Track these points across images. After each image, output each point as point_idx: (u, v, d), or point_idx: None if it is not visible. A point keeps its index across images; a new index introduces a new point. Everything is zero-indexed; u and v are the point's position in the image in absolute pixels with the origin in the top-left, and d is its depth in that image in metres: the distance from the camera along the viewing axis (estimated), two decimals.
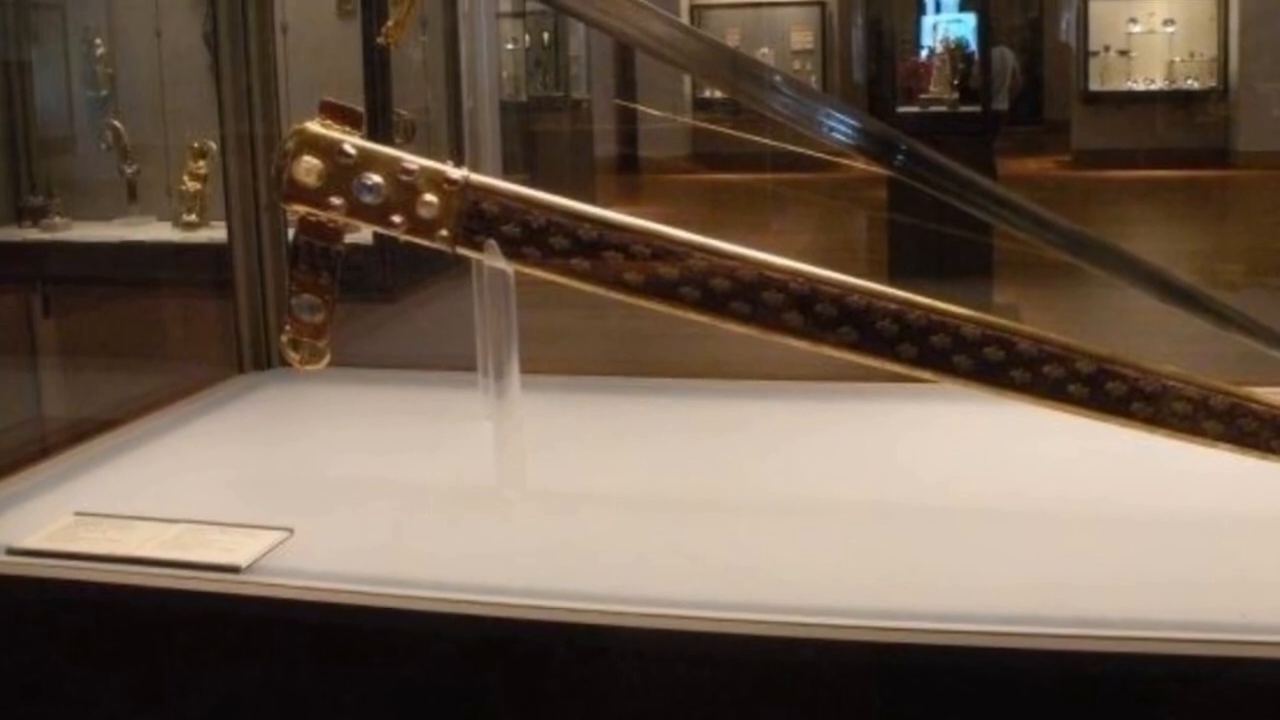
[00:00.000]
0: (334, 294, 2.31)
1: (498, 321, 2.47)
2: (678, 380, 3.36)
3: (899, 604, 2.01)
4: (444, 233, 2.24)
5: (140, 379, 4.43)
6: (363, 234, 2.36)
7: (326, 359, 2.34)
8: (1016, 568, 2.16)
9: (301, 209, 2.26)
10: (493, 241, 2.22)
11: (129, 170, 6.82)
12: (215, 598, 2.12)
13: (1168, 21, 15.17)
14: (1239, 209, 13.12)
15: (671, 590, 2.07)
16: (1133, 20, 15.28)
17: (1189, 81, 15.08)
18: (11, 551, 2.28)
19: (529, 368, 2.46)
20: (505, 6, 10.79)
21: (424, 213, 2.23)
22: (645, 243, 2.20)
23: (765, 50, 15.22)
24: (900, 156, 2.76)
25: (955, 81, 9.76)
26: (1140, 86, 15.23)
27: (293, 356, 2.34)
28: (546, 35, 12.68)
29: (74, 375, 5.77)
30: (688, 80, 12.25)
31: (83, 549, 2.26)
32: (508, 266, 2.27)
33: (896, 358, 2.19)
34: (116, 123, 6.89)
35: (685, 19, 13.86)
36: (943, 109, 9.27)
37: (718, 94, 11.08)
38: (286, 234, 3.19)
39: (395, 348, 5.64)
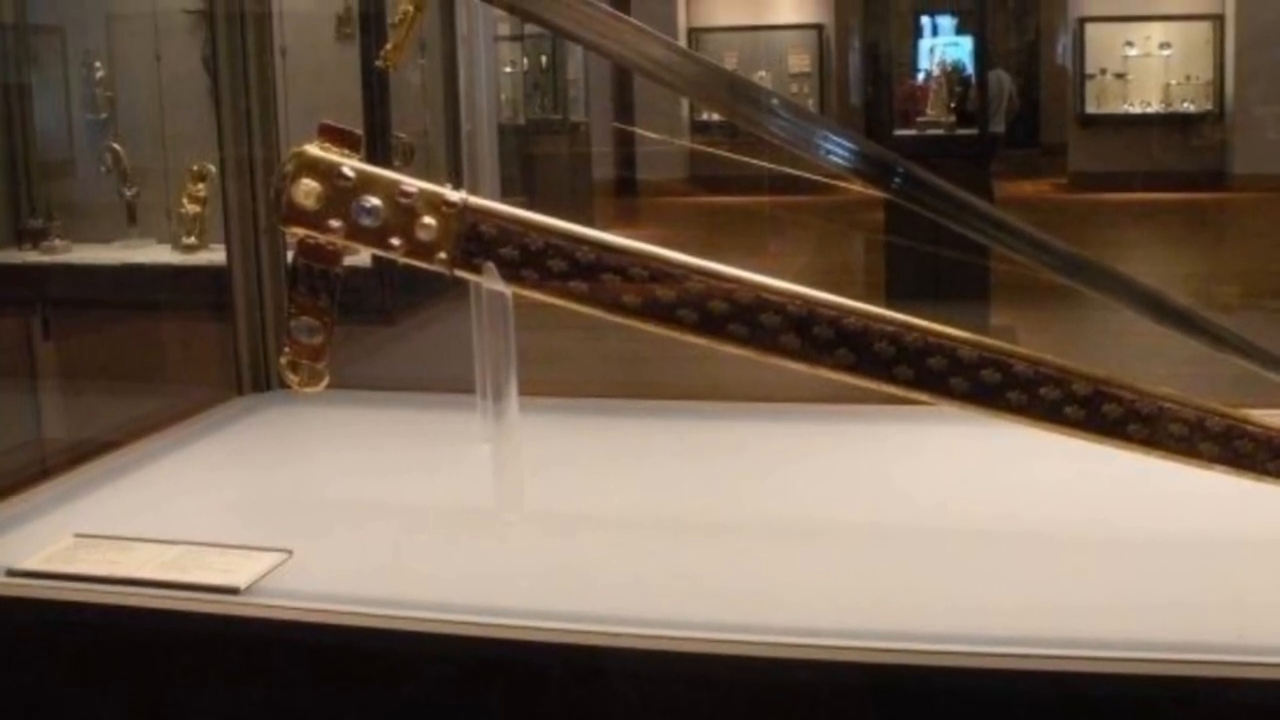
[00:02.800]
0: (333, 316, 2.31)
1: (496, 344, 2.48)
2: (675, 402, 3.37)
3: (896, 625, 2.01)
4: (442, 255, 2.25)
5: (140, 401, 4.43)
6: (361, 256, 2.37)
7: (325, 381, 2.35)
8: (1013, 589, 2.17)
9: (300, 231, 2.27)
10: (491, 264, 2.23)
11: (129, 193, 6.82)
12: (214, 619, 2.13)
13: (1164, 45, 15.22)
14: (1235, 232, 13.14)
15: (669, 611, 2.08)
16: (1129, 43, 15.32)
17: (1185, 104, 15.12)
18: (11, 573, 2.28)
19: (527, 390, 2.47)
20: (503, 30, 10.79)
21: (422, 235, 2.24)
22: (643, 265, 2.21)
23: (763, 73, 15.26)
24: (897, 179, 2.77)
25: (952, 104, 9.80)
26: (1136, 109, 15.27)
27: (291, 379, 2.35)
28: (545, 58, 12.70)
29: (74, 397, 5.76)
30: (685, 103, 12.26)
31: (82, 570, 2.26)
32: (506, 289, 2.28)
33: (893, 380, 2.20)
34: (116, 146, 6.90)
35: (682, 42, 13.90)
36: (940, 132, 9.30)
37: (715, 117, 11.10)
38: (285, 257, 3.20)
39: (394, 370, 5.63)
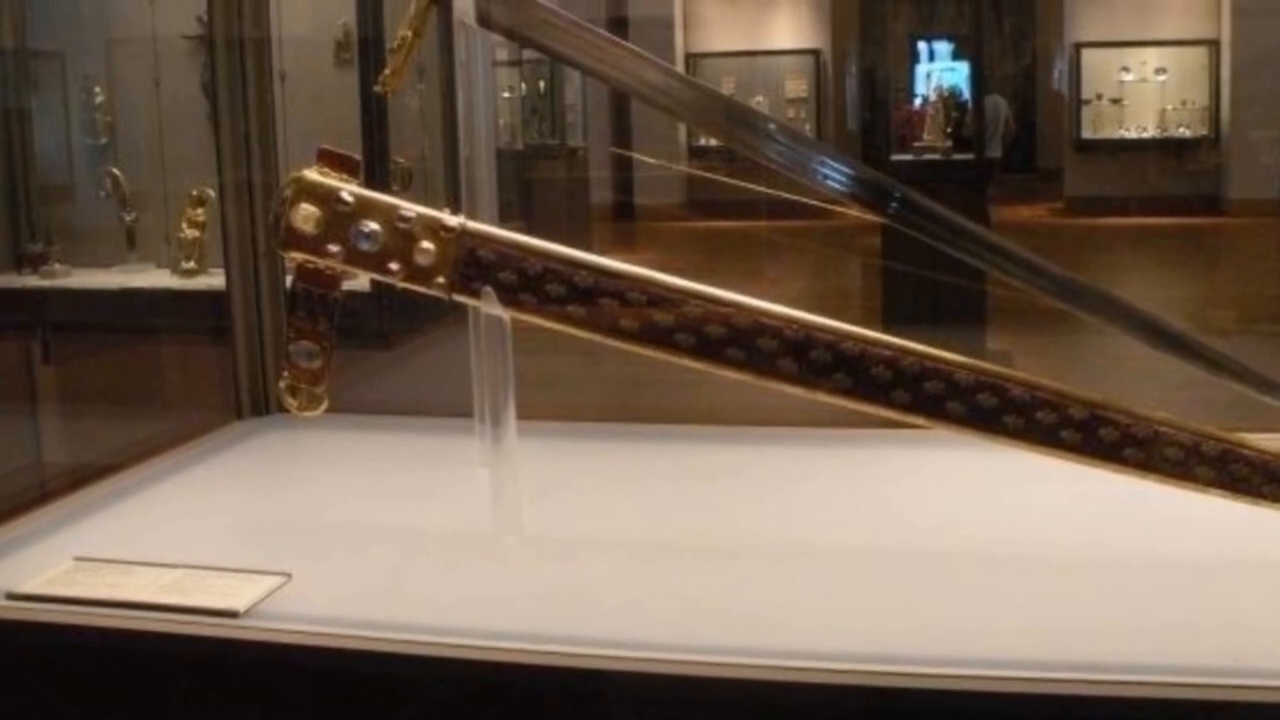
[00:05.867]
0: (331, 340, 2.32)
1: (494, 368, 2.48)
2: (673, 426, 3.38)
3: (893, 648, 2.01)
4: (441, 280, 2.26)
5: (139, 425, 4.43)
6: (360, 281, 2.37)
7: (324, 405, 2.36)
8: (1010, 612, 2.17)
9: (299, 256, 2.28)
10: (489, 288, 2.24)
11: (128, 218, 6.84)
12: (214, 642, 2.13)
13: (1160, 70, 15.28)
14: (1230, 256, 13.16)
15: (667, 635, 2.08)
16: (1125, 69, 15.38)
17: (1181, 129, 15.17)
18: (12, 596, 2.28)
19: (525, 414, 2.47)
20: (501, 55, 10.82)
21: (421, 260, 2.25)
22: (641, 290, 2.21)
23: (760, 98, 15.31)
24: (894, 204, 2.78)
25: (949, 129, 9.80)
26: (1132, 134, 15.33)
27: (290, 403, 2.35)
28: (543, 83, 12.74)
29: (73, 421, 5.77)
30: (683, 128, 12.29)
31: (82, 594, 2.27)
32: (504, 313, 2.28)
33: (890, 404, 2.21)
34: (115, 170, 6.92)
35: (680, 67, 13.93)
36: (936, 157, 9.29)
37: (713, 142, 11.14)
38: (284, 281, 3.21)
39: (392, 394, 5.63)
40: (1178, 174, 14.90)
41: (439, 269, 2.25)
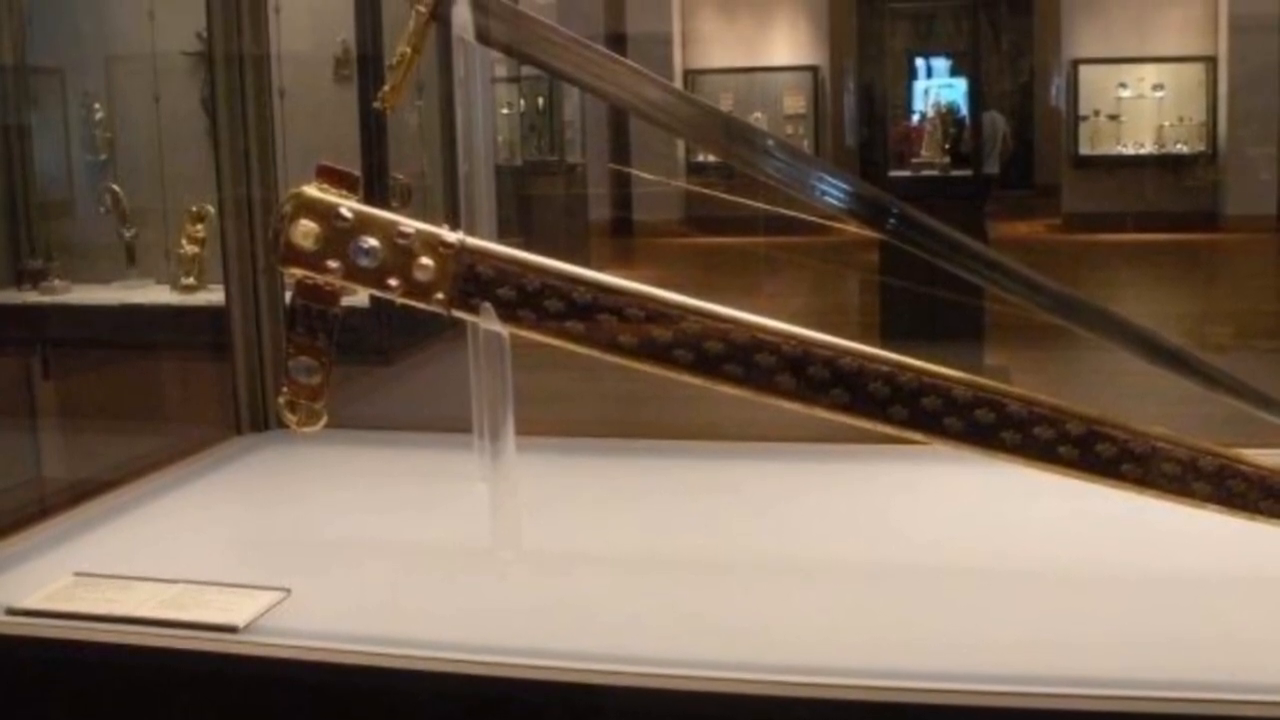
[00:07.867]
0: (331, 356, 2.32)
1: (493, 384, 2.48)
2: (672, 442, 3.38)
3: (892, 663, 2.02)
4: (440, 296, 2.26)
5: (139, 441, 4.44)
6: (359, 297, 2.38)
7: (323, 421, 2.36)
8: (1008, 627, 2.18)
9: (298, 272, 2.29)
10: (488, 304, 2.25)
11: (128, 234, 6.84)
12: (213, 657, 2.13)
13: (1157, 86, 15.30)
14: (1227, 272, 13.17)
15: (666, 650, 2.08)
16: (1122, 85, 15.41)
17: (1178, 146, 15.19)
18: (11, 611, 2.28)
19: (524, 429, 2.48)
20: (500, 71, 10.84)
21: (420, 276, 2.26)
22: (639, 306, 2.22)
23: (758, 115, 15.32)
24: (892, 220, 2.79)
25: (946, 146, 9.84)
26: (1130, 151, 15.35)
27: (290, 418, 2.36)
28: (541, 100, 12.77)
29: (73, 437, 5.77)
30: (681, 144, 12.31)
31: (82, 609, 2.27)
32: (503, 329, 2.29)
33: (888, 419, 2.21)
34: (115, 186, 6.92)
35: (679, 84, 13.94)
36: (934, 173, 9.32)
37: (711, 158, 11.15)
38: (284, 297, 3.21)
39: (392, 410, 5.64)
40: (1175, 190, 14.92)
41: (438, 285, 2.26)
